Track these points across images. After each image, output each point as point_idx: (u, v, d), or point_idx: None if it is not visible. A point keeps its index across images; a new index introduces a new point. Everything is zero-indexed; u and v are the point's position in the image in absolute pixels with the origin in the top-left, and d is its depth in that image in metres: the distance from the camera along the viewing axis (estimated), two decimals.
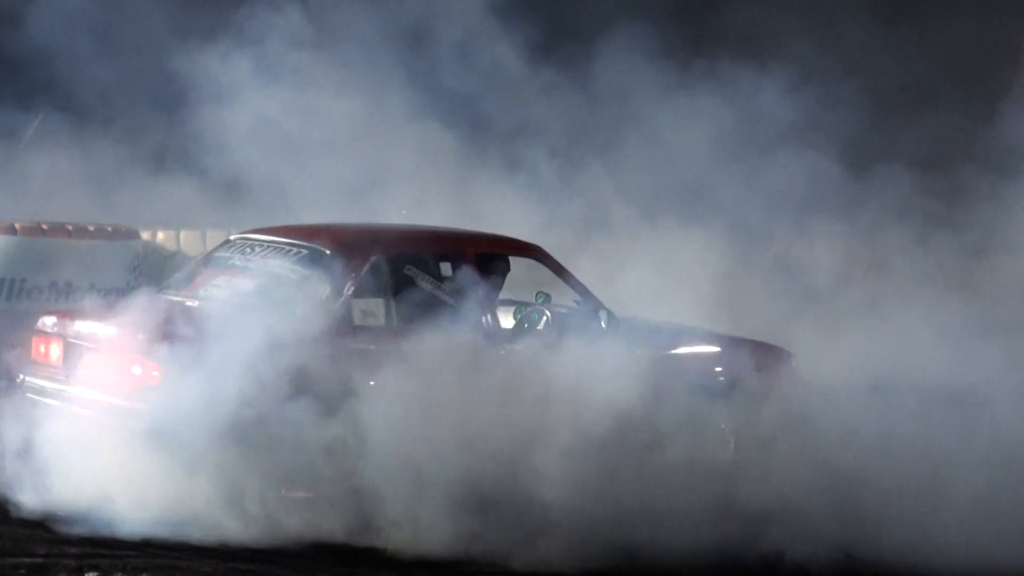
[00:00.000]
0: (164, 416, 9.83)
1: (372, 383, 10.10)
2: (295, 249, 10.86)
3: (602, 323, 11.12)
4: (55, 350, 10.70)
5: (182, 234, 17.11)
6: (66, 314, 10.98)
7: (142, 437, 9.92)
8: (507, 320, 11.26)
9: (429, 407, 10.15)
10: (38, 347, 10.81)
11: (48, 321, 10.84)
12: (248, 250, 11.05)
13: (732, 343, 11.78)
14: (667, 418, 11.00)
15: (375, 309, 10.56)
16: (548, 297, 11.52)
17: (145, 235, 16.18)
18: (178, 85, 13.80)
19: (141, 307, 10.46)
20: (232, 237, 11.40)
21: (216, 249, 11.38)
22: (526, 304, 11.30)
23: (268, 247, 10.98)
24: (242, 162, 13.85)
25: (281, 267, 10.81)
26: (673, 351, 11.47)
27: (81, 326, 10.65)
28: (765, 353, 11.90)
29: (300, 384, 9.96)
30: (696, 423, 11.15)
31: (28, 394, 10.72)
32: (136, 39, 15.07)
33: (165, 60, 13.94)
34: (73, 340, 10.61)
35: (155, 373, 10.04)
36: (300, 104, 14.27)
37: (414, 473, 10.05)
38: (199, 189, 15.29)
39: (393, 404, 10.03)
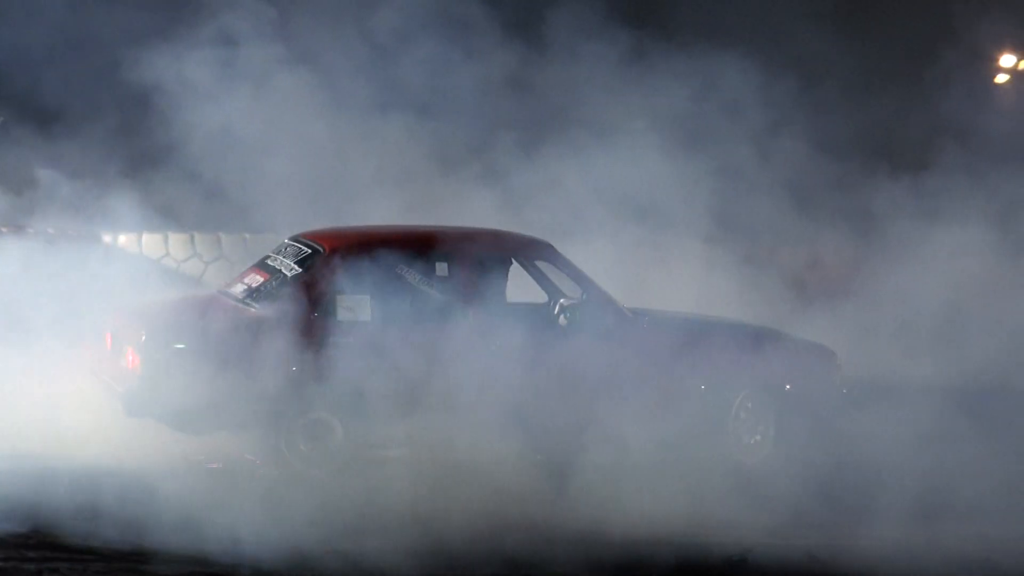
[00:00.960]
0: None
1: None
2: (304, 249, 11.68)
3: (614, 317, 11.59)
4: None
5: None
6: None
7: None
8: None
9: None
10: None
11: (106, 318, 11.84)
12: (281, 250, 11.90)
13: (763, 335, 12.13)
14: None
15: (361, 305, 11.21)
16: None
17: (107, 238, 16.19)
18: (142, 88, 13.79)
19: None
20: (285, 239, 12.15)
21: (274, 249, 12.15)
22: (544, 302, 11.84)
23: (290, 247, 11.83)
24: (211, 166, 13.89)
25: (286, 265, 11.59)
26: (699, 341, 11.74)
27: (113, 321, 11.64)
28: (806, 351, 12.17)
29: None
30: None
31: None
32: (98, 41, 15.01)
33: (126, 64, 13.90)
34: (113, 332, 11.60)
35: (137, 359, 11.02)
36: (266, 108, 14.26)
37: None
38: (165, 192, 15.27)
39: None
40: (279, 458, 11.23)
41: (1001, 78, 26.22)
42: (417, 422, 11.10)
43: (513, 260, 11.88)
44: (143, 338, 11.11)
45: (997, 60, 26.14)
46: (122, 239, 16.81)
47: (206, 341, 11.07)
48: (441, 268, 11.58)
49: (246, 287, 11.69)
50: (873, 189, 14.94)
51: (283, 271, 11.59)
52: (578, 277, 11.80)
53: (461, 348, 11.17)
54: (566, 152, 14.51)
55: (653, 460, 11.27)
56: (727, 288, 13.95)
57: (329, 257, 11.47)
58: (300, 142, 14.27)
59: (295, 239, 11.94)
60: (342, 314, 11.31)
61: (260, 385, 10.97)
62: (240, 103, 14.01)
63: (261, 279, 11.66)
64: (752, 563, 9.78)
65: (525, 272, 12.00)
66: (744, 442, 11.94)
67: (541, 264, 11.96)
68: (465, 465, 10.89)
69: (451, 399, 11.10)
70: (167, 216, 15.83)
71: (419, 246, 11.67)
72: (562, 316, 11.65)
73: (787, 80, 15.38)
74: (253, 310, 11.38)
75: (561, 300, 11.81)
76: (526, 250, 11.95)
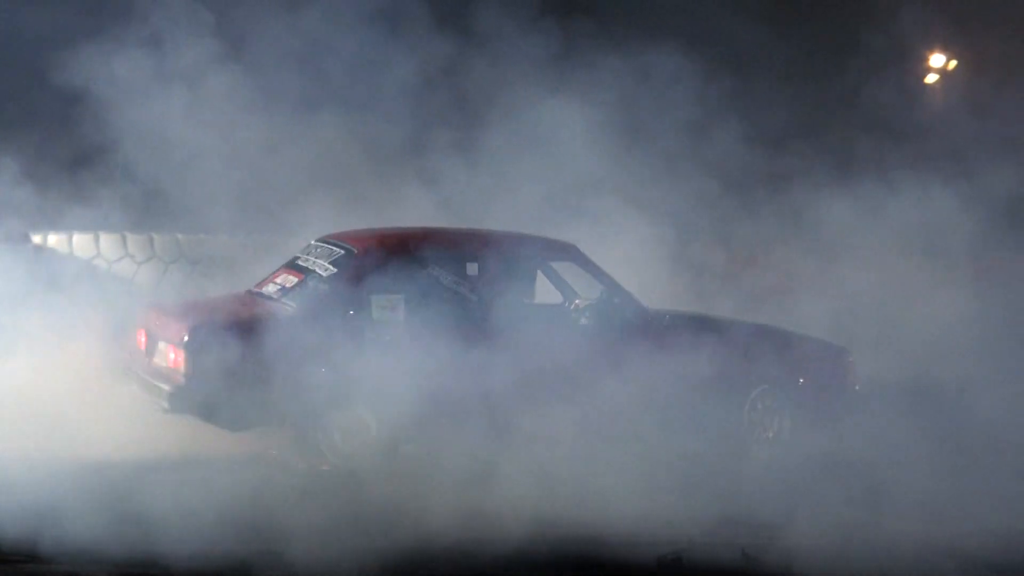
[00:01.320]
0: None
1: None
2: (337, 250, 12.01)
3: (638, 316, 12.07)
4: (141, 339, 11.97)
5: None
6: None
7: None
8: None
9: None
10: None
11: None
12: (311, 251, 12.22)
13: (777, 334, 12.57)
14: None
15: (394, 304, 11.56)
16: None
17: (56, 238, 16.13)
18: (73, 88, 13.69)
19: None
20: (312, 240, 12.45)
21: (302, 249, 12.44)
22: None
23: (320, 248, 12.17)
24: (144, 166, 13.84)
25: (321, 265, 11.92)
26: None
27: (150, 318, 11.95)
28: (822, 349, 12.63)
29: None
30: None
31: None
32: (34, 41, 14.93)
33: (55, 64, 13.81)
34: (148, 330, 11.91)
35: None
36: (198, 107, 14.20)
37: None
38: (97, 193, 15.18)
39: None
40: (316, 454, 11.53)
41: (931, 78, 26.40)
42: (449, 419, 11.45)
43: (540, 261, 12.33)
44: (186, 337, 11.32)
45: (927, 60, 26.32)
46: (52, 239, 16.65)
47: (247, 339, 11.30)
48: (472, 268, 11.90)
49: (280, 287, 12.00)
50: (801, 186, 15.08)
51: (317, 271, 11.87)
52: (602, 277, 12.22)
53: (491, 346, 11.50)
54: (500, 148, 14.54)
55: (668, 454, 11.73)
56: (658, 281, 14.05)
57: (362, 257, 11.80)
58: (233, 142, 14.22)
59: (325, 240, 12.23)
60: (376, 313, 11.59)
61: (298, 382, 11.26)
62: (172, 102, 13.95)
63: (295, 279, 11.94)
64: (686, 562, 9.78)
65: (551, 272, 12.40)
66: (759, 436, 12.35)
67: (567, 265, 12.33)
68: (494, 461, 11.26)
69: (481, 396, 11.44)
70: (99, 216, 15.72)
71: (450, 247, 12.02)
72: (584, 315, 12.09)
73: (718, 75, 15.47)
74: (290, 308, 11.68)
75: (576, 300, 12.26)
76: (553, 251, 12.37)
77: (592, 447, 11.72)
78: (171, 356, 11.45)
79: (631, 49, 14.86)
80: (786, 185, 15.22)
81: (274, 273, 12.34)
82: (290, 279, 12.05)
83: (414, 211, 14.52)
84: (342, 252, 11.95)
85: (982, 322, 15.00)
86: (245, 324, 11.47)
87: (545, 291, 12.57)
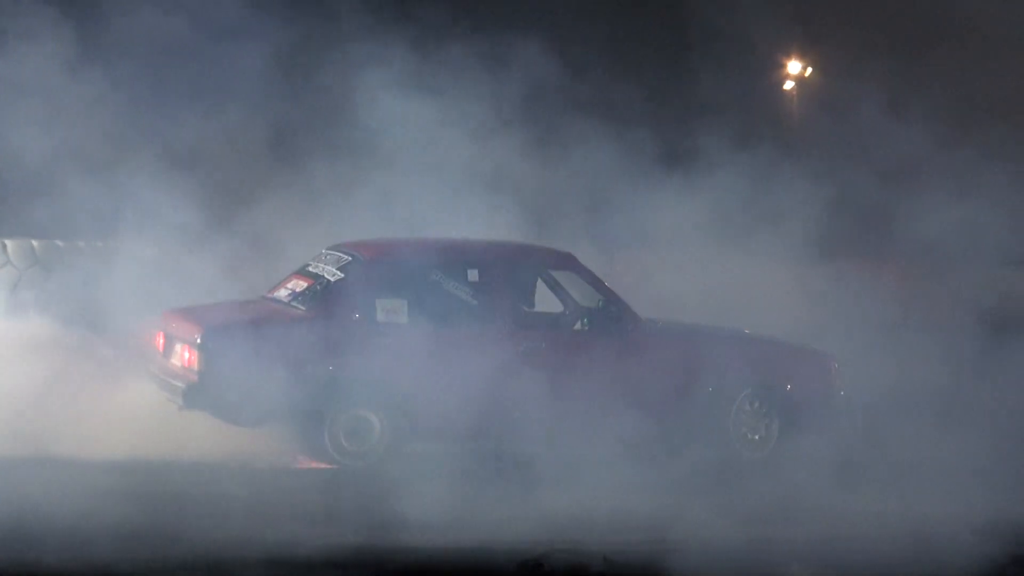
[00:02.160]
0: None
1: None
2: (344, 257, 12.48)
3: (631, 323, 12.50)
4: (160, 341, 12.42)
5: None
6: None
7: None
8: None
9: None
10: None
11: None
12: (321, 258, 12.67)
13: (769, 344, 13.04)
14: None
15: (398, 308, 12.08)
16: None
17: None
18: None
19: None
20: (323, 249, 12.86)
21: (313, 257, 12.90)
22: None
23: (330, 255, 12.64)
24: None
25: (329, 271, 12.41)
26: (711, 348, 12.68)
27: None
28: (806, 356, 13.05)
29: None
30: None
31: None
32: None
33: None
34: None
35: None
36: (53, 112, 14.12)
37: None
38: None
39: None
40: (322, 452, 11.97)
41: (788, 84, 26.73)
42: (449, 418, 11.88)
43: (538, 269, 12.81)
44: (199, 337, 11.81)
45: (785, 66, 26.65)
46: None
47: (257, 339, 11.82)
48: (472, 275, 12.40)
49: (291, 291, 12.47)
50: (649, 186, 15.33)
51: (326, 277, 12.36)
52: (598, 285, 12.64)
53: (490, 350, 12.01)
54: (346, 151, 14.64)
55: (653, 454, 12.17)
56: None
57: (368, 264, 12.33)
58: (86, 147, 14.13)
59: (335, 248, 12.71)
60: (381, 316, 12.08)
61: (306, 382, 11.75)
62: (27, 108, 13.87)
63: (305, 284, 12.43)
64: (547, 568, 9.78)
65: (549, 280, 12.85)
66: (746, 438, 12.75)
67: (564, 274, 12.77)
68: (492, 458, 11.92)
69: (481, 397, 11.89)
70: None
71: (452, 255, 12.56)
72: (580, 321, 12.57)
73: (554, 77, 15.61)
74: (299, 312, 12.18)
75: (580, 307, 12.70)
76: (551, 260, 12.84)
77: (581, 446, 12.18)
78: (186, 356, 11.98)
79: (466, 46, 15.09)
80: (634, 185, 15.42)
81: (286, 279, 12.79)
82: (300, 284, 12.52)
83: (273, 211, 14.63)
84: (349, 259, 12.44)
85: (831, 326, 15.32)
86: (255, 325, 12.04)
87: (549, 299, 13.02)
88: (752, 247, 15.15)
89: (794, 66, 26.92)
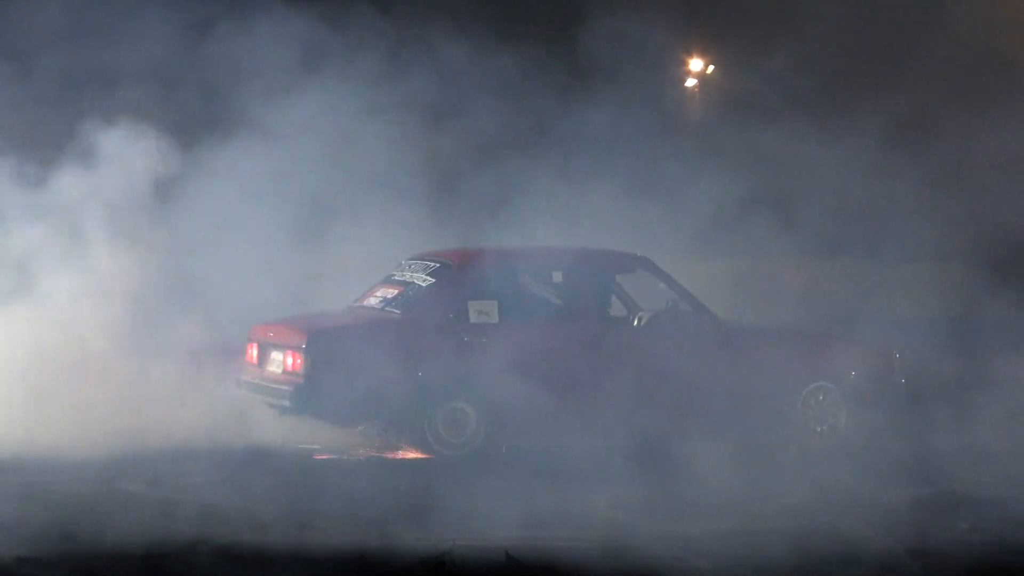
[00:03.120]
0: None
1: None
2: (432, 264, 13.38)
3: (706, 322, 13.34)
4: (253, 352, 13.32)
5: None
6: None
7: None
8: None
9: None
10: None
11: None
12: (407, 267, 13.60)
13: (832, 340, 13.95)
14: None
15: (489, 309, 12.95)
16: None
17: None
18: None
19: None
20: (403, 260, 13.78)
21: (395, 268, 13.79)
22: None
23: (415, 264, 13.56)
24: None
25: (418, 278, 13.29)
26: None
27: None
28: (868, 349, 13.87)
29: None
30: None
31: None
32: None
33: None
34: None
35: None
36: None
37: None
38: None
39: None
40: (423, 444, 12.76)
41: (690, 82, 26.84)
42: (538, 410, 12.61)
43: (617, 271, 13.66)
44: (305, 343, 12.58)
45: (687, 64, 26.73)
46: None
47: (358, 343, 12.65)
48: (556, 277, 13.35)
49: (382, 298, 13.32)
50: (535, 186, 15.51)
51: (417, 283, 13.23)
52: (674, 286, 13.46)
53: (575, 346, 12.91)
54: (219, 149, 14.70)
55: (727, 446, 12.92)
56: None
57: (459, 269, 13.19)
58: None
59: (419, 257, 13.59)
60: (473, 317, 12.92)
61: (407, 380, 12.52)
62: None
63: (396, 291, 13.29)
64: (449, 565, 9.76)
65: (623, 282, 13.70)
66: (814, 431, 13.62)
67: (641, 275, 13.59)
68: (580, 450, 12.61)
69: (568, 391, 12.77)
70: None
71: (537, 259, 13.53)
72: (656, 320, 13.33)
73: (456, 76, 15.62)
74: (396, 316, 12.99)
75: (641, 312, 13.48)
76: (628, 263, 13.65)
77: (659, 438, 12.87)
78: (289, 362, 12.69)
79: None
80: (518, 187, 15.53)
81: (371, 289, 13.60)
82: (390, 291, 13.34)
83: None
84: (438, 265, 13.29)
85: None
86: (356, 330, 12.93)
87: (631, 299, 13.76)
88: (652, 244, 15.27)
89: (696, 63, 27.00)
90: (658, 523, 11.03)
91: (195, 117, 15.25)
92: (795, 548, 10.28)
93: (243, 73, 15.02)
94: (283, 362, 12.81)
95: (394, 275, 13.61)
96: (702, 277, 15.01)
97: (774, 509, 11.41)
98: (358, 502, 11.22)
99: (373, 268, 14.20)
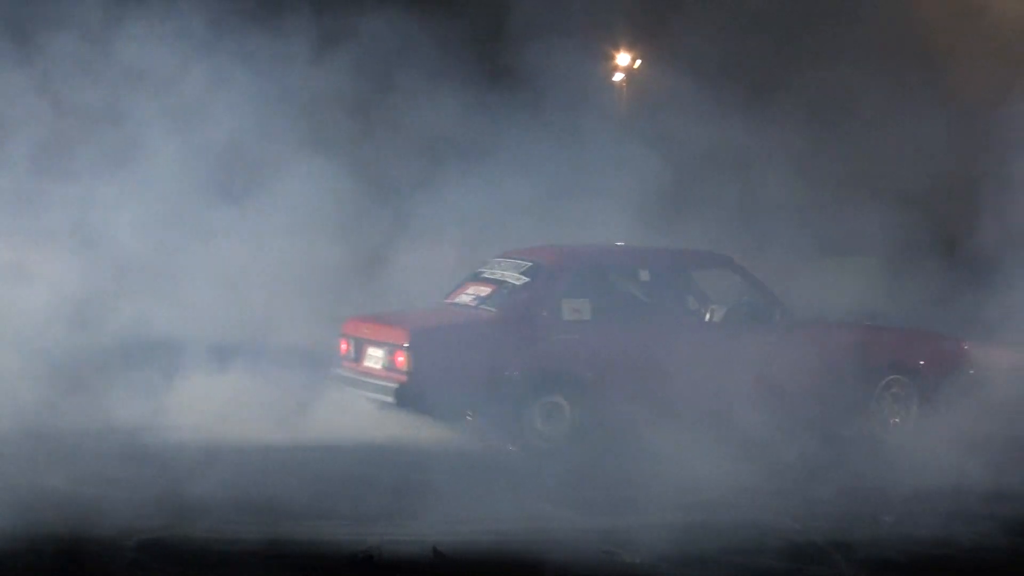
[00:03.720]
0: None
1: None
2: (524, 263, 13.80)
3: (785, 317, 13.83)
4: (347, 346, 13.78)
5: None
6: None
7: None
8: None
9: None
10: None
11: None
12: (497, 265, 14.05)
13: (906, 332, 14.62)
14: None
15: (582, 307, 13.36)
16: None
17: None
18: None
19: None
20: (492, 258, 14.24)
21: (480, 266, 14.28)
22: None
23: (506, 262, 13.99)
24: None
25: (511, 276, 13.71)
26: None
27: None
28: (939, 341, 14.43)
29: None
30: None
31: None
32: None
33: None
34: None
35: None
36: None
37: None
38: None
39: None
40: (520, 436, 13.11)
41: (617, 76, 26.92)
42: (631, 403, 12.99)
43: (701, 269, 14.22)
44: (408, 341, 13.02)
45: (614, 58, 26.81)
46: None
47: (459, 340, 13.24)
48: (644, 275, 13.78)
49: (475, 296, 13.73)
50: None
51: (510, 281, 13.65)
52: (755, 283, 13.98)
53: (663, 341, 13.38)
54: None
55: (805, 435, 13.27)
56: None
57: (553, 269, 13.61)
58: None
59: (508, 256, 14.04)
60: (567, 315, 13.35)
61: (505, 375, 12.99)
62: None
63: (489, 289, 13.70)
64: (377, 560, 9.78)
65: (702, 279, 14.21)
66: (887, 421, 14.12)
67: (723, 272, 14.11)
68: (671, 441, 12.63)
69: (658, 382, 13.16)
70: None
71: (625, 258, 14.14)
72: (739, 315, 13.87)
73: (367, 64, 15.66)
74: (492, 313, 13.42)
75: (713, 306, 13.99)
76: (711, 261, 14.26)
77: (741, 429, 13.14)
78: (391, 358, 13.14)
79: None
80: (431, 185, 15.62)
81: (461, 287, 14.01)
82: (483, 289, 13.74)
83: None
84: (531, 264, 13.71)
85: None
86: (457, 327, 13.39)
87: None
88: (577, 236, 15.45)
89: (623, 58, 27.07)
90: (590, 518, 11.09)
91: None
92: (720, 542, 10.37)
93: None
94: (385, 358, 13.26)
95: (483, 273, 14.04)
96: None
97: (700, 502, 11.49)
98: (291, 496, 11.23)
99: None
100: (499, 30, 17.47)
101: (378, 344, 13.39)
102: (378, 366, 13.36)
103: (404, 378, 13.04)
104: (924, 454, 12.98)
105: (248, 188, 15.37)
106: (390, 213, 16.19)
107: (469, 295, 13.84)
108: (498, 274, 13.88)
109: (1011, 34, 19.02)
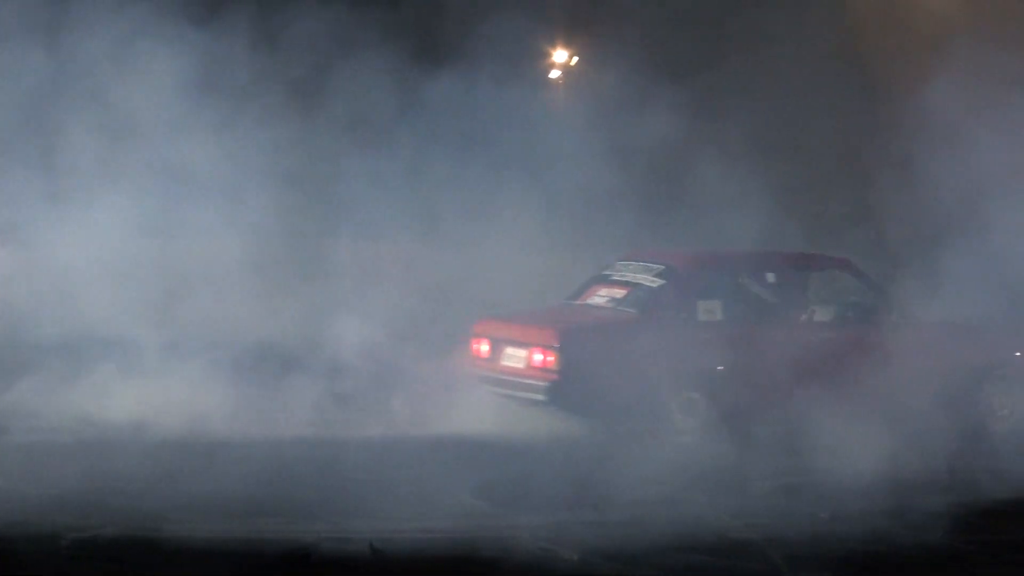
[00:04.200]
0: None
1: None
2: (655, 266, 14.46)
3: (904, 317, 14.55)
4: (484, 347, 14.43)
5: None
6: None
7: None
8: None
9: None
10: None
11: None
12: (623, 268, 14.71)
13: (1010, 329, 15.09)
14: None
15: (715, 308, 14.17)
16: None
17: None
18: None
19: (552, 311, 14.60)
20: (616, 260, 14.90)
21: (601, 269, 14.98)
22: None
23: (635, 265, 14.64)
24: None
25: (646, 279, 14.37)
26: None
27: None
28: None
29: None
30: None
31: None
32: None
33: None
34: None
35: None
36: None
37: None
38: None
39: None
40: (662, 431, 13.71)
41: (554, 73, 26.92)
42: (759, 397, 13.79)
43: (822, 271, 15.09)
44: (558, 342, 13.76)
45: (550, 55, 26.81)
46: None
47: (605, 339, 14.00)
48: (770, 278, 14.63)
49: (609, 298, 14.46)
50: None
51: (645, 284, 14.38)
52: (871, 284, 14.81)
53: (789, 340, 14.08)
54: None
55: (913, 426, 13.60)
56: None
57: (686, 271, 14.45)
58: None
59: (634, 259, 14.74)
60: (701, 315, 14.18)
61: (646, 373, 13.63)
62: None
63: (623, 291, 14.40)
64: (314, 557, 9.76)
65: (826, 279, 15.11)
66: (995, 413, 14.71)
67: (842, 273, 14.93)
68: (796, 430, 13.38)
69: (787, 378, 13.76)
70: None
71: (752, 262, 14.84)
72: (859, 315, 14.62)
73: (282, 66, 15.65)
74: (632, 314, 14.16)
75: (814, 307, 14.71)
76: (831, 263, 15.08)
77: (859, 422, 13.48)
78: (541, 358, 13.81)
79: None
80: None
81: (589, 288, 14.74)
82: (616, 291, 14.45)
83: None
84: (663, 267, 14.45)
85: None
86: (604, 328, 14.17)
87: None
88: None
89: (560, 55, 27.08)
90: (526, 514, 11.11)
91: None
92: (659, 538, 10.40)
93: None
94: (530, 358, 13.89)
95: (612, 275, 14.73)
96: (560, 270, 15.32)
97: (651, 498, 11.55)
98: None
99: None
100: (434, 29, 17.43)
101: (521, 344, 14.09)
102: (520, 365, 14.02)
103: (555, 376, 13.71)
104: None
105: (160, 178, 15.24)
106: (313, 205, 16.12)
107: (603, 297, 14.56)
108: (628, 276, 14.60)
109: (926, 20, 19.20)
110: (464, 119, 16.62)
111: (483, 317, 14.67)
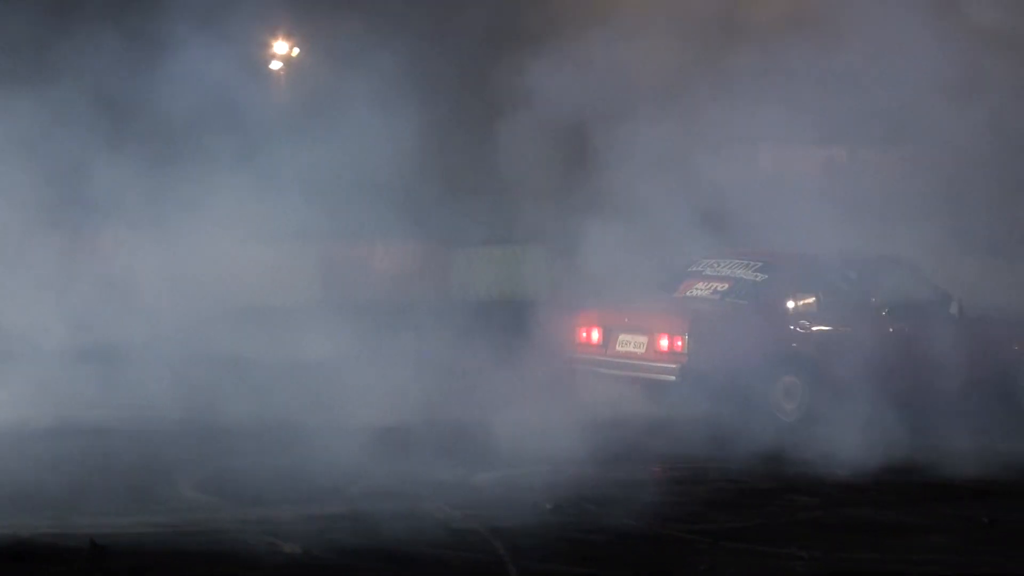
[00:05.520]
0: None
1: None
2: (755, 263, 15.98)
3: (962, 311, 15.90)
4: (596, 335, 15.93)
5: None
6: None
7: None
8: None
9: None
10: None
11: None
12: (714, 264, 16.17)
13: None
14: None
15: (811, 300, 15.73)
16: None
17: None
18: None
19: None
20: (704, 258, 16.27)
21: (689, 265, 16.33)
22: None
23: (732, 262, 16.09)
24: None
25: (746, 274, 15.90)
26: None
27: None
28: None
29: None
30: None
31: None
32: None
33: None
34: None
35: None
36: None
37: None
38: None
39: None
40: (765, 411, 15.10)
41: (275, 64, 26.78)
42: (853, 380, 14.81)
43: (895, 269, 16.25)
44: (688, 329, 15.26)
45: (271, 46, 26.64)
46: None
47: (725, 327, 15.45)
48: (852, 275, 16.16)
49: (714, 291, 15.90)
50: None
51: (746, 278, 15.87)
52: (928, 282, 16.21)
53: (873, 330, 15.61)
54: None
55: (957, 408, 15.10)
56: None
57: (785, 269, 16.01)
58: None
59: (726, 256, 16.18)
60: (800, 306, 15.72)
61: (756, 358, 15.20)
62: None
63: (726, 284, 15.84)
64: (32, 552, 9.55)
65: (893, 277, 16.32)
66: None
67: (905, 271, 16.25)
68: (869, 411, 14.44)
69: (871, 365, 14.93)
70: None
71: (836, 260, 16.15)
72: (923, 309, 15.94)
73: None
74: (743, 305, 15.65)
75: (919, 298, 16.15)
76: (897, 262, 16.29)
77: (924, 405, 15.11)
78: (667, 343, 15.27)
79: None
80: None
81: (685, 283, 16.11)
82: (718, 284, 15.88)
83: None
84: (761, 264, 15.96)
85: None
86: (724, 316, 15.57)
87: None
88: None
89: (281, 46, 26.94)
90: (246, 508, 11.03)
91: None
92: (376, 530, 10.45)
93: None
94: (655, 344, 15.30)
95: (704, 271, 16.12)
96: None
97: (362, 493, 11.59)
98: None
99: None
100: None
101: (641, 331, 15.52)
102: (640, 350, 15.43)
103: (684, 359, 15.16)
104: None
105: None
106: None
107: (705, 289, 15.97)
108: (725, 272, 16.01)
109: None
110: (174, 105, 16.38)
111: (588, 307, 16.01)
